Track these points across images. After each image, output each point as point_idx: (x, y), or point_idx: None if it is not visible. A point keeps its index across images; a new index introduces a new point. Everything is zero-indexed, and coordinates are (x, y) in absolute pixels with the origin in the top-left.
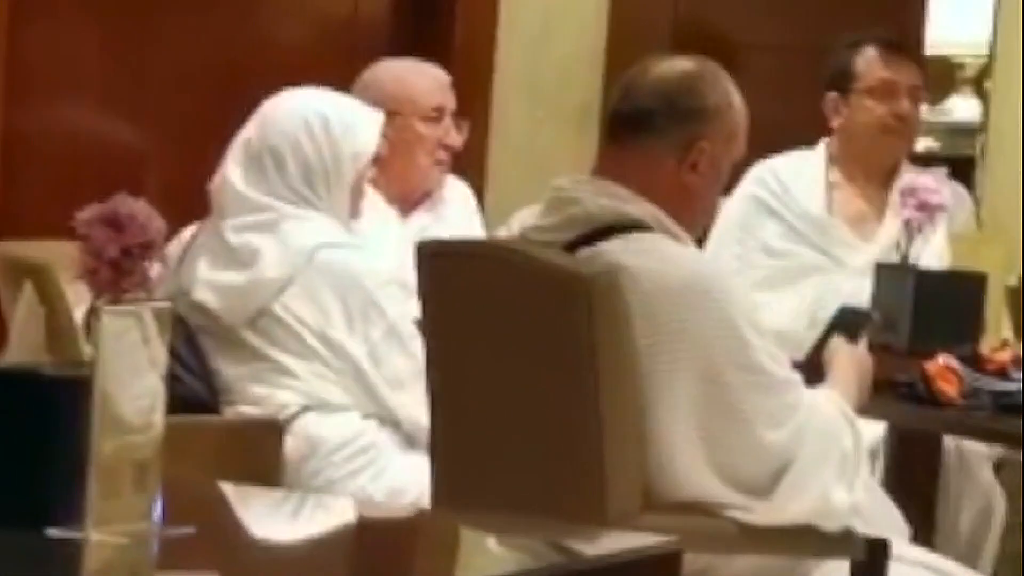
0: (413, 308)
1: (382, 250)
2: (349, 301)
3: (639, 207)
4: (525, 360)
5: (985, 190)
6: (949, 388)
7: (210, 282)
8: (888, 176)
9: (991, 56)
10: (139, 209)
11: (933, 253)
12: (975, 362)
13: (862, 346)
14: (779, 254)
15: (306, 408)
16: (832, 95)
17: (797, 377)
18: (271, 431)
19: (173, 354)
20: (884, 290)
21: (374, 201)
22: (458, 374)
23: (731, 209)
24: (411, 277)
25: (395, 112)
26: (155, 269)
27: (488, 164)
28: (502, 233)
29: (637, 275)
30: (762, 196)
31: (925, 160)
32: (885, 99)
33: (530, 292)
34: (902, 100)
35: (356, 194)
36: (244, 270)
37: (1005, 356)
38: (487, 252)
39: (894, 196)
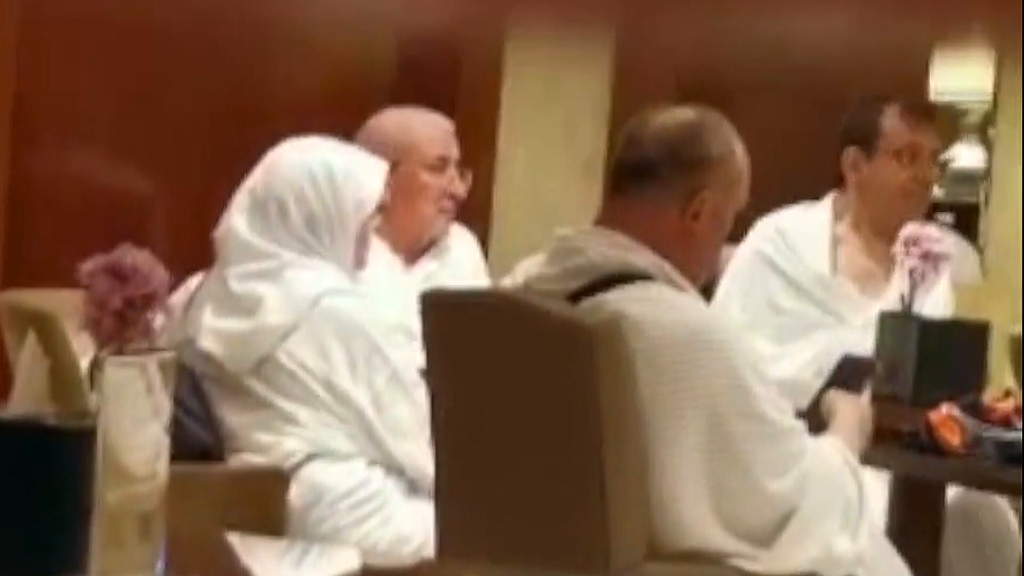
0: (417, 357)
1: (386, 298)
2: (353, 348)
3: (642, 257)
4: (529, 409)
5: (989, 237)
6: (952, 438)
7: (214, 330)
8: (895, 233)
9: (995, 103)
10: (142, 260)
11: (936, 302)
12: (979, 412)
13: (865, 396)
14: (784, 311)
15: (311, 456)
16: (852, 150)
17: (801, 425)
18: (276, 479)
19: (178, 402)
20: (888, 339)
21: (378, 250)
22: (462, 423)
23: (737, 264)
24: (416, 325)
25: (399, 161)
26: (158, 320)
27: (493, 213)
28: (506, 282)
29: (640, 325)
30: (767, 252)
31: (931, 209)
32: (910, 163)
33: (534, 342)
34: (925, 165)
35: (361, 244)
36: (248, 318)
37: (1009, 406)
38: (491, 301)
39: (898, 255)
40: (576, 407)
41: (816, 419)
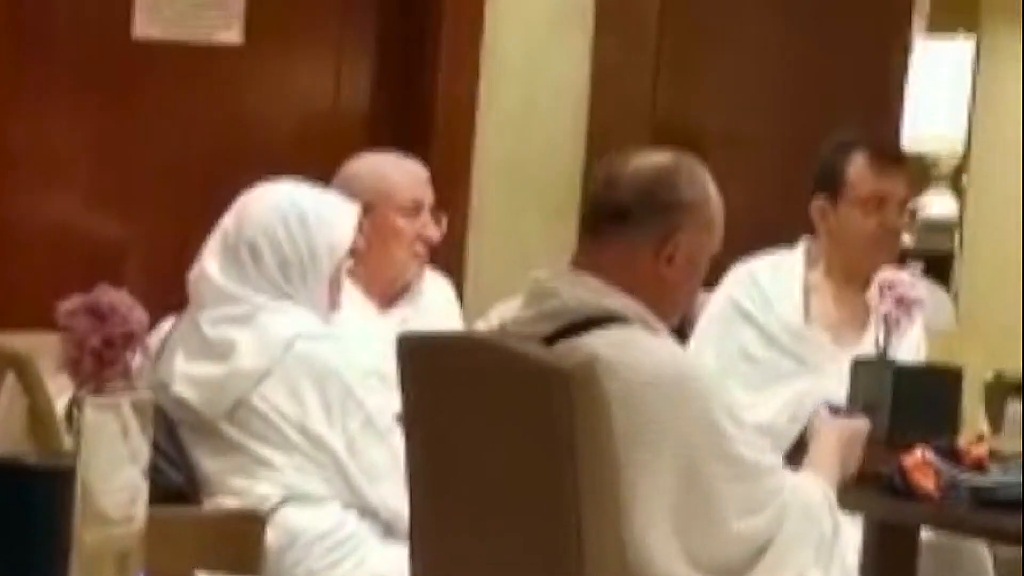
0: (393, 401)
1: (361, 342)
2: (327, 392)
3: (617, 300)
4: (504, 452)
5: (962, 285)
6: (927, 482)
7: (188, 375)
8: (867, 281)
9: (967, 152)
10: (120, 300)
11: (910, 347)
12: (953, 456)
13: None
14: (757, 361)
15: (286, 500)
16: (820, 200)
17: (778, 462)
18: (252, 523)
19: (154, 446)
20: (862, 384)
21: (352, 294)
22: (438, 466)
23: (711, 312)
24: (389, 370)
25: (373, 205)
26: (136, 359)
27: (467, 255)
28: (481, 326)
29: (615, 367)
30: (740, 301)
31: (901, 256)
32: (876, 211)
33: (509, 385)
34: (892, 213)
35: (334, 286)
36: (221, 362)
37: (982, 450)
38: (467, 345)
39: (873, 299)
40: (552, 450)
41: (796, 464)
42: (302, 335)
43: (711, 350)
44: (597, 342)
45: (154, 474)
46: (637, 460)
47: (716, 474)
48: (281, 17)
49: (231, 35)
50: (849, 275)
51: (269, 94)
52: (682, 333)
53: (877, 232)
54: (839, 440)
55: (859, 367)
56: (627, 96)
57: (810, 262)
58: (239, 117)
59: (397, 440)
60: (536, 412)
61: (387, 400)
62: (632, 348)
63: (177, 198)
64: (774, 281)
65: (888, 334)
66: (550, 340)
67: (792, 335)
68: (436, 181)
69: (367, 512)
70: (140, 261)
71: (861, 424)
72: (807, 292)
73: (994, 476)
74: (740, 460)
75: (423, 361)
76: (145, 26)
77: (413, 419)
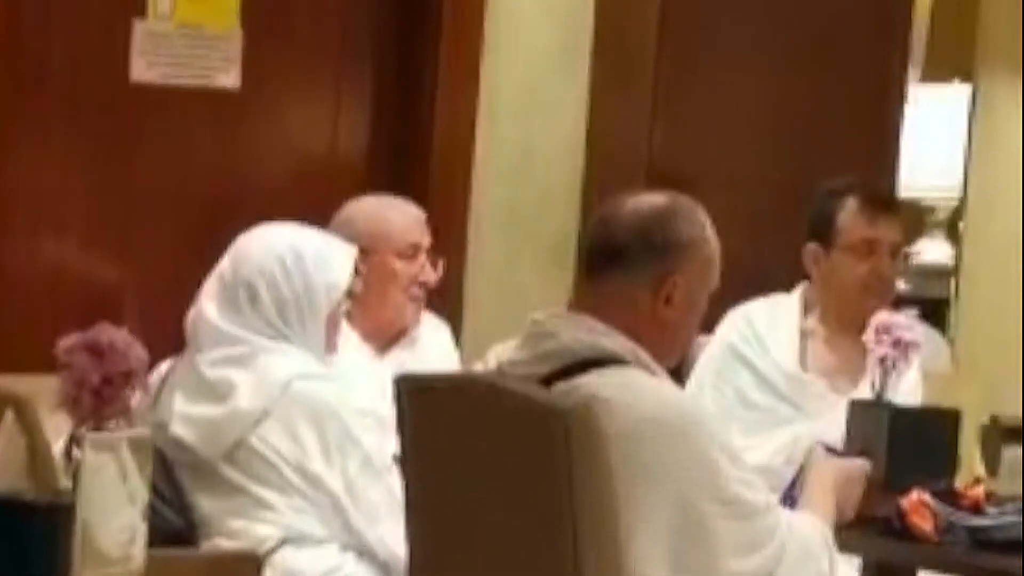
0: (390, 443)
1: (358, 383)
2: (326, 433)
3: (615, 341)
4: (503, 493)
5: (959, 330)
6: (924, 523)
7: (186, 416)
8: (863, 326)
9: (963, 198)
10: (120, 338)
11: (907, 390)
12: (950, 498)
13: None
14: (754, 406)
15: (284, 541)
16: (812, 246)
17: (775, 501)
18: (250, 564)
19: (152, 488)
20: (859, 427)
21: (349, 338)
22: (436, 506)
23: (708, 357)
24: (387, 412)
25: (370, 249)
26: (136, 398)
27: (465, 298)
28: (479, 367)
29: (614, 408)
30: (737, 344)
31: (896, 302)
32: (867, 257)
33: (507, 425)
34: (883, 259)
35: (332, 328)
36: (220, 404)
37: (979, 492)
38: (465, 386)
39: (869, 342)
40: (550, 489)
41: (792, 504)
42: (299, 376)
43: (708, 394)
44: (595, 382)
45: (152, 515)
46: (635, 499)
47: (714, 513)
48: (279, 62)
49: (229, 79)
50: (843, 321)
51: (267, 138)
52: (679, 376)
53: (869, 278)
54: (835, 479)
55: (856, 409)
56: (623, 141)
57: (806, 307)
58: (237, 161)
59: (395, 481)
60: (534, 452)
61: (384, 441)
62: (630, 388)
63: (175, 241)
64: (770, 326)
65: (885, 377)
66: (548, 380)
67: (788, 380)
68: (433, 225)
69: (365, 554)
70: (137, 304)
71: (858, 464)
72: (803, 337)
73: (991, 517)
74: (738, 499)
75: (420, 401)
76: (143, 70)
77: (410, 459)
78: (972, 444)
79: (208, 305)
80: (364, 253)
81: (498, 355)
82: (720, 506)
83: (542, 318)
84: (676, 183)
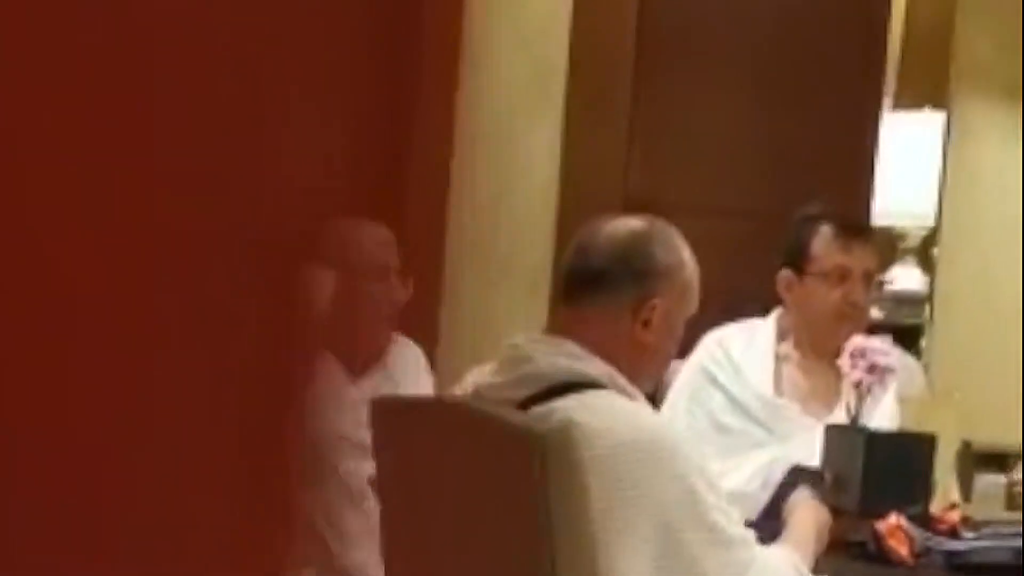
0: (366, 467)
1: (333, 408)
2: (302, 458)
3: (592, 365)
4: (480, 516)
5: (932, 357)
6: (901, 547)
7: None
8: (837, 352)
9: (936, 225)
10: None
11: (883, 415)
12: (926, 522)
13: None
14: (728, 430)
15: None
16: (786, 273)
17: (750, 534)
18: None
19: None
20: (834, 452)
21: (324, 361)
22: (412, 530)
23: (682, 381)
24: (363, 436)
25: (341, 271)
26: None
27: (440, 324)
28: (456, 391)
29: (591, 432)
30: (711, 369)
31: (870, 329)
32: (839, 284)
33: (484, 449)
34: (856, 286)
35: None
36: None
37: (955, 517)
38: (440, 408)
39: (845, 367)
40: (528, 514)
41: (766, 528)
42: None
43: (682, 418)
44: (572, 406)
45: None
46: (614, 524)
47: (694, 540)
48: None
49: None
50: (817, 346)
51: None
52: (654, 400)
53: (842, 305)
54: (816, 520)
55: (832, 434)
56: (598, 170)
57: (781, 333)
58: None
59: (371, 505)
60: (511, 476)
61: (361, 466)
62: (608, 412)
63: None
64: (744, 350)
65: (860, 401)
66: (525, 404)
67: (764, 405)
68: (409, 250)
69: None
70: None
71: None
72: (777, 361)
73: (968, 541)
74: (716, 527)
75: (396, 424)
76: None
77: (387, 483)
78: (947, 469)
79: None
80: (336, 275)
81: (476, 379)
82: (701, 533)
83: (519, 342)
84: (652, 211)
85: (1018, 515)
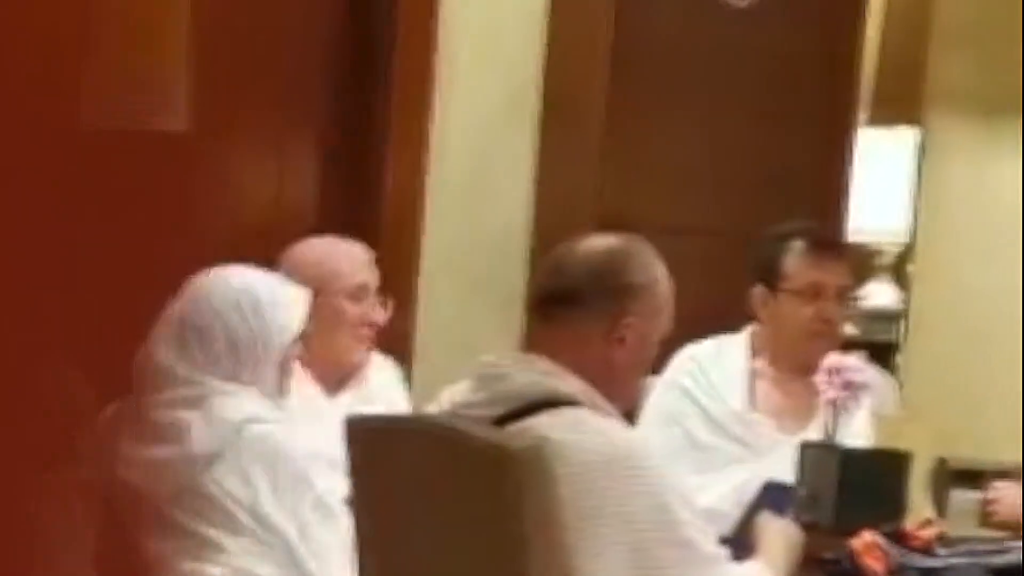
0: (341, 485)
1: (310, 426)
2: (278, 475)
3: (567, 383)
4: (455, 534)
5: (906, 374)
6: (876, 564)
7: (135, 458)
8: (811, 368)
9: (910, 242)
10: (71, 378)
11: (857, 432)
12: (901, 539)
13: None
14: (703, 446)
15: (234, 532)
16: (759, 290)
17: (724, 552)
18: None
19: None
20: (809, 468)
21: (301, 379)
22: (387, 548)
23: (657, 396)
24: (339, 454)
25: (319, 290)
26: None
27: (415, 344)
28: (432, 409)
29: (565, 449)
30: (686, 385)
31: (844, 346)
32: (813, 301)
33: (458, 466)
34: (829, 302)
35: (284, 371)
36: (171, 445)
37: (930, 533)
38: (416, 427)
39: (820, 384)
40: (502, 531)
41: (739, 547)
42: (252, 418)
43: (657, 434)
44: (547, 423)
45: (101, 558)
46: (587, 541)
47: (668, 557)
48: (225, 104)
49: (175, 124)
50: (791, 363)
51: (214, 181)
52: (630, 417)
53: (814, 322)
54: (787, 538)
55: (806, 451)
56: (572, 187)
57: (755, 349)
58: (185, 203)
59: (347, 523)
60: (486, 493)
61: (336, 484)
62: (582, 429)
63: (123, 284)
64: (719, 367)
65: (835, 418)
66: (500, 422)
67: (738, 421)
68: (384, 269)
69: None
70: (86, 347)
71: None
72: (752, 377)
73: (942, 558)
74: (689, 544)
75: (371, 443)
76: (89, 114)
77: (361, 501)
78: (921, 486)
79: (159, 347)
80: (313, 294)
81: (451, 397)
82: (674, 550)
83: (494, 360)
84: (625, 230)
85: (993, 533)
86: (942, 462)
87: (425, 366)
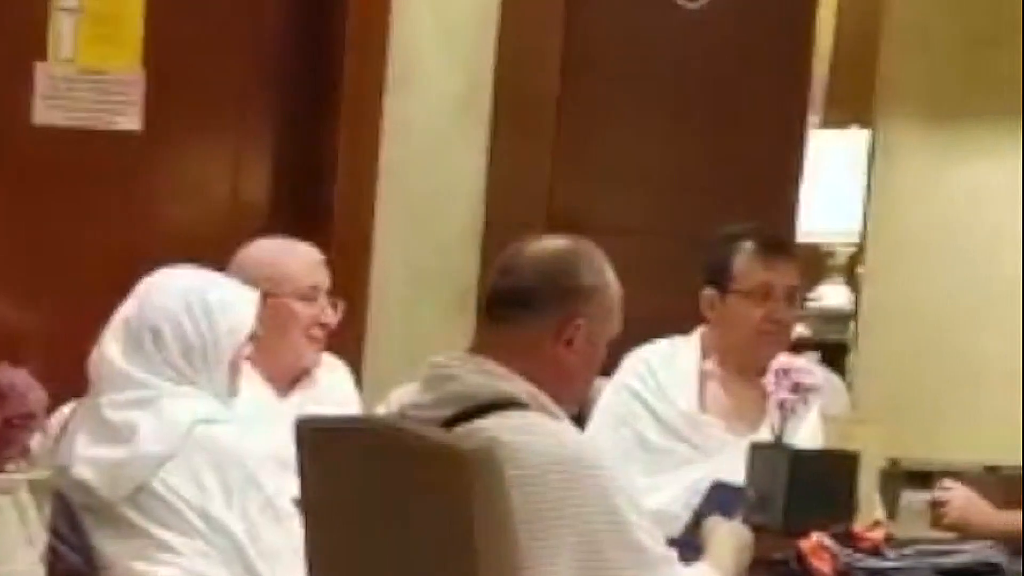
0: (291, 486)
1: (260, 427)
2: (228, 477)
3: (515, 384)
4: (404, 536)
5: (857, 374)
6: (823, 566)
7: (89, 458)
8: (761, 370)
9: (862, 243)
10: (20, 379)
11: (807, 434)
12: (849, 541)
13: (737, 524)
14: (653, 448)
15: (183, 533)
16: (708, 291)
17: (673, 554)
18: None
19: (53, 530)
20: (758, 469)
21: (251, 380)
22: (338, 550)
23: (606, 400)
24: (289, 455)
25: (270, 291)
26: (36, 440)
27: (366, 343)
28: (380, 410)
29: (515, 452)
30: (636, 387)
31: (796, 346)
32: (763, 302)
33: (408, 468)
34: (779, 303)
35: (234, 372)
36: (123, 446)
37: (878, 535)
38: (365, 429)
39: (769, 385)
40: (451, 534)
41: (687, 548)
42: (202, 420)
43: (607, 436)
44: (497, 425)
45: (53, 558)
46: (537, 544)
47: (617, 559)
48: (181, 105)
49: (131, 123)
50: (741, 364)
51: (169, 182)
52: (580, 419)
53: (764, 322)
54: (736, 540)
55: (756, 453)
56: (524, 188)
57: (705, 350)
58: (139, 203)
59: (296, 524)
60: (435, 496)
61: (286, 485)
62: (532, 432)
63: (77, 284)
64: (668, 368)
65: (784, 420)
66: (449, 424)
67: (688, 423)
68: (335, 269)
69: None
70: (38, 346)
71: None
72: (702, 380)
73: (891, 560)
74: (640, 547)
75: (321, 445)
76: (44, 113)
77: (312, 503)
78: (871, 487)
79: (111, 347)
80: (264, 295)
81: (400, 398)
82: (623, 552)
83: (442, 361)
84: (577, 230)
85: (942, 535)
86: (893, 463)
87: (376, 367)
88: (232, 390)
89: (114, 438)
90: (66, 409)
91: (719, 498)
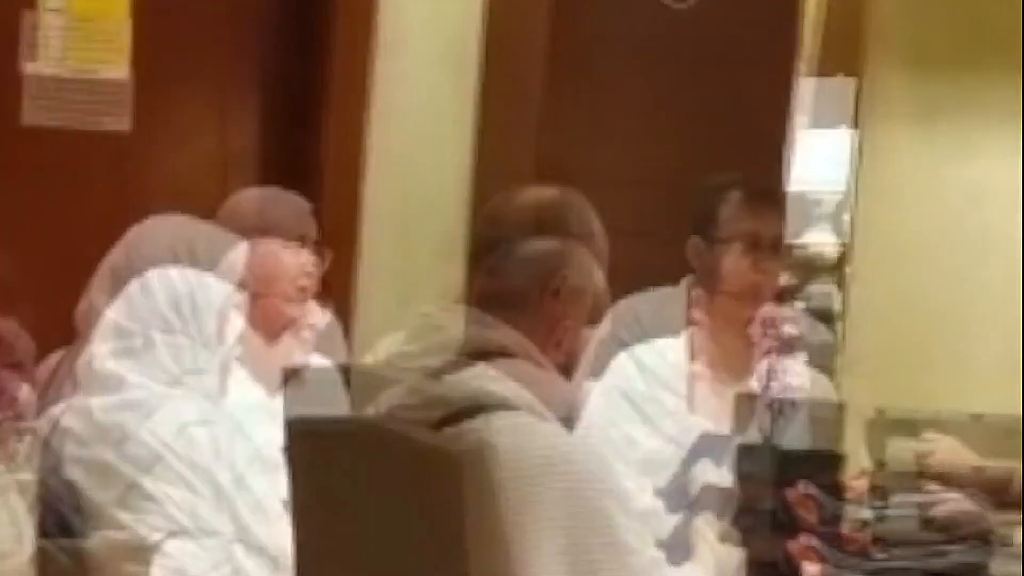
0: (281, 487)
1: (250, 428)
2: (218, 479)
3: (503, 334)
4: (393, 538)
5: (847, 319)
6: (809, 515)
7: (77, 408)
8: (749, 370)
9: (848, 192)
10: (7, 329)
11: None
12: (835, 490)
13: (725, 473)
14: (642, 450)
15: (172, 534)
16: (695, 240)
17: (661, 557)
18: (139, 555)
19: (43, 532)
20: (744, 422)
21: (241, 381)
22: (326, 552)
23: (595, 400)
24: (279, 456)
25: (257, 241)
26: (24, 391)
27: (357, 294)
28: (368, 359)
29: (504, 454)
30: (624, 389)
31: (779, 295)
32: (750, 251)
33: (397, 469)
34: (765, 252)
35: (222, 321)
36: (111, 394)
37: (863, 484)
38: (356, 428)
39: (755, 336)
40: (440, 536)
41: (676, 495)
42: (193, 422)
43: (596, 437)
44: (486, 427)
45: (43, 560)
46: (527, 545)
47: (606, 561)
48: (167, 54)
49: (119, 122)
50: (728, 319)
51: (155, 132)
52: (568, 422)
53: (751, 271)
54: (716, 552)
55: (741, 401)
56: (512, 139)
57: (693, 353)
58: (127, 202)
59: (286, 525)
60: (426, 496)
61: (275, 486)
62: (521, 433)
63: (65, 283)
64: (658, 369)
65: (770, 372)
66: (439, 425)
67: (677, 425)
68: (324, 218)
69: (253, 548)
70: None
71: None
72: (691, 382)
73: (879, 561)
74: (628, 549)
75: (310, 445)
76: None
77: (301, 504)
78: (857, 439)
79: (99, 297)
80: (251, 245)
81: (387, 347)
82: (611, 553)
83: (431, 311)
84: (564, 182)
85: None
86: (879, 412)
87: (367, 315)
88: (220, 339)
89: (102, 387)
90: (53, 359)
91: (708, 447)
